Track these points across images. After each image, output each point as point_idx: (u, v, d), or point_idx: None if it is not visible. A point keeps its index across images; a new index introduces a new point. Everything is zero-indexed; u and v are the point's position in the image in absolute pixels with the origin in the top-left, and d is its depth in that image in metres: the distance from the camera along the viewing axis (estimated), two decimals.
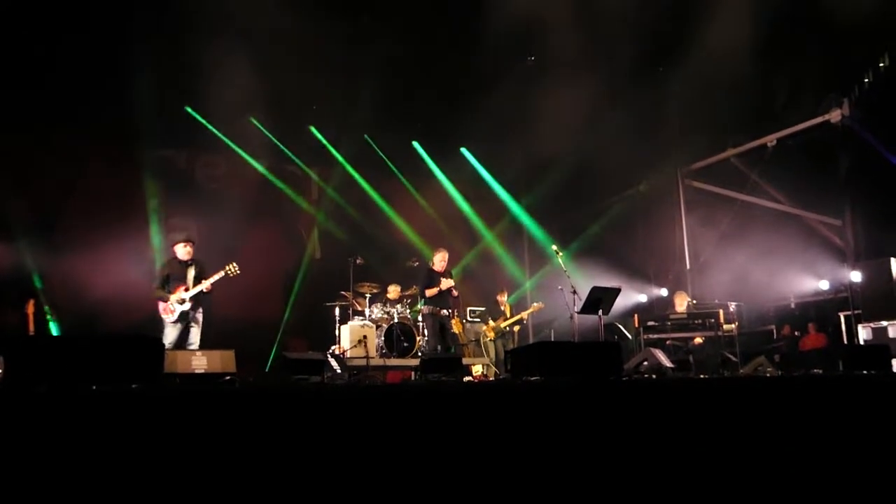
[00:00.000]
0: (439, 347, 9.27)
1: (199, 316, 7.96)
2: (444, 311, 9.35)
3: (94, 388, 3.86)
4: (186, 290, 7.80)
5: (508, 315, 10.87)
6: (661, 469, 3.80)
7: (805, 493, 3.94)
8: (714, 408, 4.52)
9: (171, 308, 7.74)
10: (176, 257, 8.06)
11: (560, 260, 8.92)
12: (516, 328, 10.94)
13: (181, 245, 8.05)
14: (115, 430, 3.18)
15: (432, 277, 9.36)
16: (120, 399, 3.11)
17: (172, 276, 7.92)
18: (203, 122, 11.20)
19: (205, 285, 7.82)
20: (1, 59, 8.77)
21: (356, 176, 12.61)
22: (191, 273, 7.93)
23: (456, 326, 10.55)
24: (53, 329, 9.54)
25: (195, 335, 7.89)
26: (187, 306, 7.75)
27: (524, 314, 10.85)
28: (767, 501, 3.83)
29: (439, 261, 9.42)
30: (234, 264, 8.03)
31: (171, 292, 7.81)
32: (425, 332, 9.45)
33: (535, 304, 10.89)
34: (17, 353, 3.32)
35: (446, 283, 9.19)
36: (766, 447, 4.22)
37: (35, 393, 3.09)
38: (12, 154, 9.62)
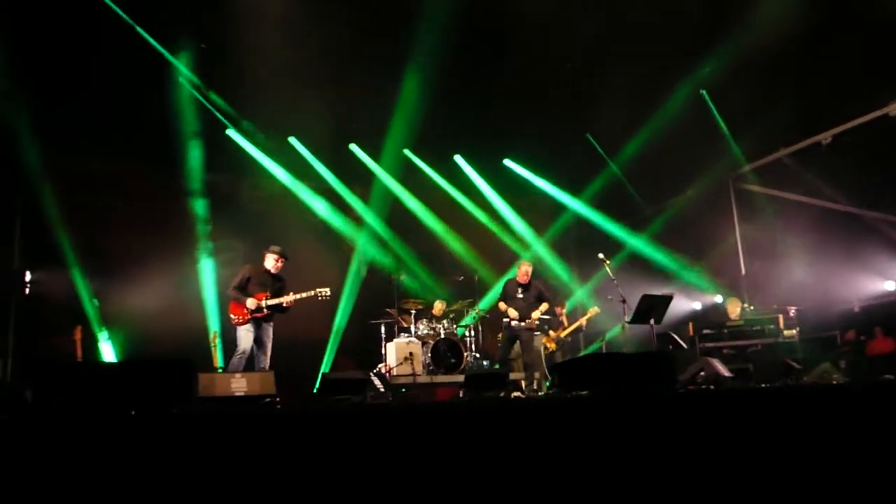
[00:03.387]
0: (501, 362, 9.11)
1: (271, 331, 7.69)
2: (514, 324, 9.00)
3: (132, 412, 3.83)
4: (267, 297, 7.54)
5: (566, 325, 10.60)
6: (718, 488, 3.54)
7: None
8: (780, 420, 4.23)
9: (246, 311, 7.42)
10: (263, 266, 7.83)
11: (608, 268, 8.66)
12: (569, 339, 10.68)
13: (274, 256, 7.81)
14: (150, 454, 3.10)
15: (507, 289, 9.21)
16: (148, 423, 3.04)
17: (254, 281, 7.65)
18: (245, 144, 11.30)
19: (288, 299, 7.53)
20: (50, 87, 8.95)
21: (399, 191, 12.51)
22: (275, 284, 7.71)
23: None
24: (104, 355, 9.66)
25: (266, 354, 7.58)
26: (262, 314, 7.45)
27: (582, 321, 10.55)
28: None
29: (521, 274, 9.19)
30: (327, 290, 7.81)
31: (250, 295, 7.54)
32: (472, 347, 9.31)
33: (591, 309, 10.57)
34: (46, 380, 3.26)
35: (511, 313, 8.90)
36: (839, 461, 3.91)
37: (61, 418, 3.03)
38: (62, 181, 9.81)
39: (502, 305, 9.08)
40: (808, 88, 9.90)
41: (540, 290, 9.21)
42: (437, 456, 3.22)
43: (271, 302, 7.51)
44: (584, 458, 3.44)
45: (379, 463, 3.14)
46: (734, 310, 9.80)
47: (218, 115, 10.79)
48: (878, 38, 9.00)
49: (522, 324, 8.94)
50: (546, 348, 10.40)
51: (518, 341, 9.15)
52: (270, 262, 7.77)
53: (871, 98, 10.21)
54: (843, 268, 10.69)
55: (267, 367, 7.42)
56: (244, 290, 7.60)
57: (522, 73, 9.93)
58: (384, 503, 3.02)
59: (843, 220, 11.07)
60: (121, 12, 8.69)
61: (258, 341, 7.53)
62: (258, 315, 7.50)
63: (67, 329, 8.30)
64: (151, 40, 9.24)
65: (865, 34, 8.99)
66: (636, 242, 12.95)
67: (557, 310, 10.73)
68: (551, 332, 10.42)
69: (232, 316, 7.54)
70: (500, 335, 10.30)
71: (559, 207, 13.59)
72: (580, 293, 13.48)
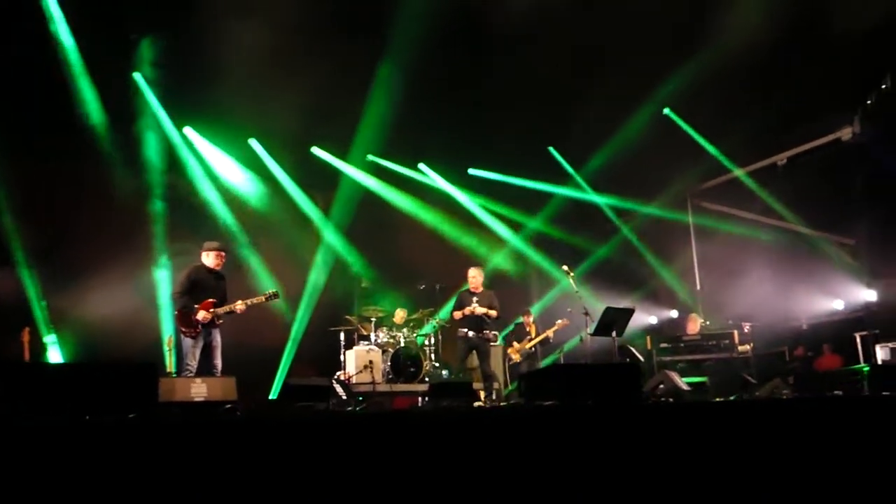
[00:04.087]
0: (462, 373, 9.02)
1: (219, 337, 7.22)
2: (471, 334, 8.90)
3: (87, 418, 3.69)
4: (215, 304, 7.05)
5: (534, 335, 10.53)
6: (684, 495, 3.59)
7: None
8: (736, 432, 4.31)
9: (197, 325, 6.91)
10: (204, 265, 7.26)
11: (571, 280, 8.73)
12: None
13: (213, 254, 7.23)
14: (107, 463, 2.99)
15: (461, 299, 9.10)
16: (108, 431, 2.92)
17: (200, 285, 7.10)
18: (203, 144, 11.10)
19: (240, 306, 7.06)
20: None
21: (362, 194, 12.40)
22: (220, 286, 7.22)
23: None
24: (51, 358, 9.34)
25: (218, 358, 7.17)
26: (215, 326, 7.05)
27: (549, 332, 10.35)
28: None
29: (471, 279, 9.06)
30: (273, 290, 7.38)
31: (197, 304, 7.01)
32: (432, 356, 9.24)
33: (559, 321, 10.36)
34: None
35: (475, 309, 8.75)
36: (791, 472, 4.00)
37: (18, 424, 2.90)
38: (14, 181, 9.51)
39: (457, 314, 9.00)
40: (766, 111, 10.18)
41: (492, 299, 9.14)
42: (411, 463, 3.18)
43: (222, 311, 7.09)
44: (554, 466, 3.44)
45: (352, 471, 3.08)
46: (694, 327, 9.96)
47: (172, 114, 10.55)
48: (834, 65, 9.32)
49: (480, 334, 8.90)
50: (510, 359, 10.39)
51: (476, 351, 9.10)
52: (211, 259, 7.23)
53: (826, 122, 10.55)
54: (793, 286, 10.98)
55: (219, 371, 7.13)
56: (191, 295, 7.11)
57: (491, 83, 9.98)
58: None
59: (795, 238, 11.39)
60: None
61: (207, 348, 7.15)
62: (211, 327, 7.13)
63: (15, 330, 8.02)
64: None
65: (822, 60, 9.29)
66: (601, 253, 13.07)
67: (525, 319, 10.71)
68: (515, 344, 10.41)
69: (182, 328, 7.10)
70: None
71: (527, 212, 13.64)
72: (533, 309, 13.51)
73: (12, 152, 9.30)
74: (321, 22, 8.32)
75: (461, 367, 9.17)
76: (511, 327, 10.89)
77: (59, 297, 9.60)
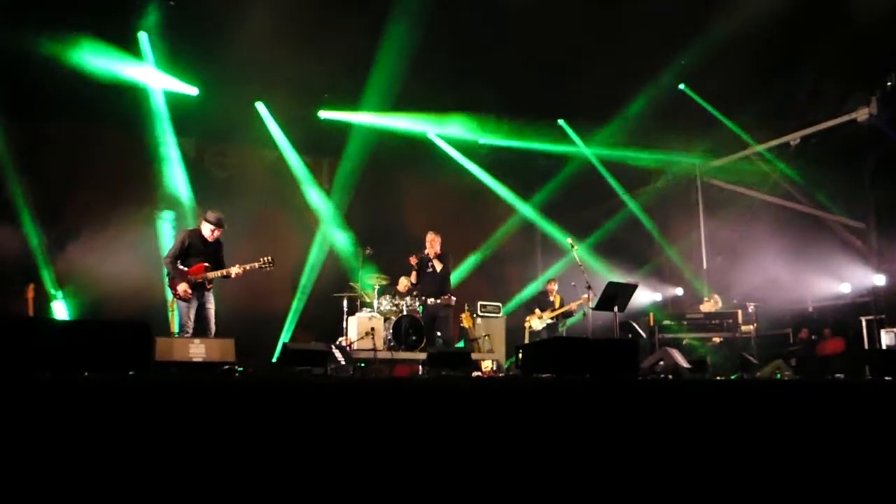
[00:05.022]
0: (435, 339, 9.03)
1: (213, 299, 7.29)
2: (430, 301, 8.88)
3: (85, 374, 3.71)
4: (208, 269, 7.13)
5: (558, 306, 10.43)
6: (673, 472, 3.58)
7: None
8: (732, 412, 4.29)
9: (189, 290, 6.99)
10: (200, 232, 7.32)
11: (575, 254, 8.69)
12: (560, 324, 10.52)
13: (210, 227, 7.26)
14: (105, 419, 3.00)
15: (419, 263, 9.06)
16: (107, 388, 2.93)
17: (193, 250, 7.19)
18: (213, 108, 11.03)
19: (235, 270, 7.09)
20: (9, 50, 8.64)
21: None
22: (213, 252, 7.28)
23: (466, 320, 10.30)
24: (56, 314, 9.42)
25: (211, 321, 7.22)
26: (205, 288, 7.11)
27: (573, 305, 10.21)
28: None
29: (427, 243, 9.00)
30: (269, 258, 7.32)
31: (189, 267, 7.13)
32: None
33: (583, 295, 9.87)
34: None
35: (413, 267, 8.81)
36: (785, 454, 3.99)
37: (14, 380, 2.91)
38: (20, 139, 9.51)
39: (403, 281, 8.94)
40: (782, 89, 10.01)
41: (445, 260, 9.06)
42: (406, 431, 3.19)
43: (213, 275, 7.13)
44: (544, 438, 3.44)
45: (347, 438, 3.09)
46: (713, 306, 9.92)
47: (182, 76, 10.48)
48: (852, 45, 9.14)
49: (438, 301, 8.83)
50: (531, 326, 10.36)
51: (435, 319, 9.06)
52: (207, 230, 7.29)
53: (841, 102, 10.37)
54: (800, 268, 10.90)
55: (213, 334, 7.15)
56: (184, 258, 7.19)
57: (501, 53, 9.84)
58: (355, 479, 2.98)
59: (804, 221, 11.28)
60: None
61: (199, 312, 7.20)
62: (201, 289, 7.18)
63: (19, 287, 8.08)
64: None
65: (840, 40, 9.11)
66: (608, 227, 13.00)
67: (549, 287, 10.60)
68: (538, 311, 10.34)
69: (173, 291, 7.21)
70: (462, 315, 10.27)
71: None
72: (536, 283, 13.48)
73: (19, 111, 9.30)
74: None
75: (430, 336, 9.10)
76: (532, 293, 10.87)
77: (66, 255, 9.67)
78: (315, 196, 12.11)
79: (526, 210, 13.45)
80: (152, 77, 10.21)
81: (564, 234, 9.40)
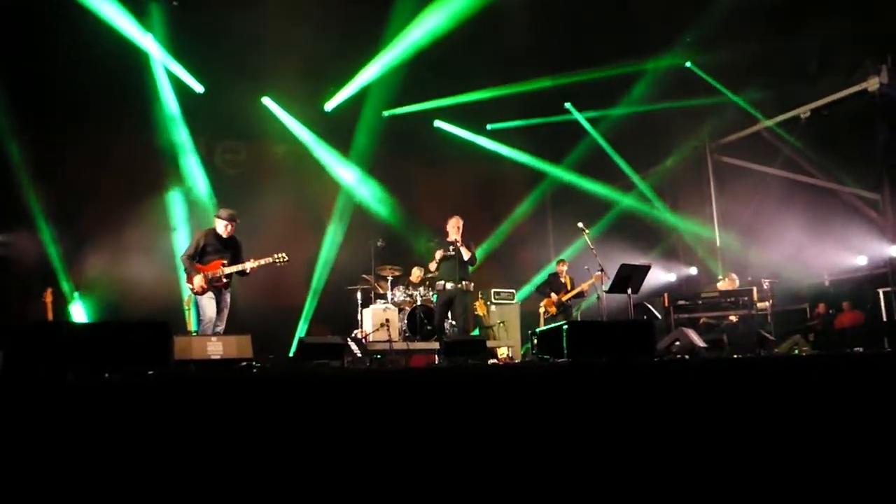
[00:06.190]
0: (448, 327, 8.96)
1: (228, 298, 7.39)
2: (449, 285, 8.43)
3: (106, 375, 3.75)
4: (224, 265, 7.22)
5: (570, 288, 10.27)
6: (694, 452, 3.58)
7: (852, 479, 3.70)
8: (751, 389, 4.28)
9: (204, 284, 7.08)
10: (215, 230, 7.42)
11: (587, 237, 8.66)
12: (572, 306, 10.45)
13: (223, 223, 7.36)
14: (126, 418, 3.04)
15: (441, 247, 8.66)
16: (127, 388, 2.97)
17: (210, 248, 7.31)
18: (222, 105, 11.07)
19: (250, 265, 7.20)
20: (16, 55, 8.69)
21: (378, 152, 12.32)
22: (230, 249, 7.38)
23: (480, 308, 10.27)
24: (75, 317, 9.51)
25: (223, 319, 7.30)
26: (221, 283, 7.17)
27: (585, 285, 10.01)
28: (812, 487, 3.59)
29: (451, 228, 8.57)
30: (283, 255, 7.43)
31: (206, 265, 7.23)
32: (449, 314, 9.17)
33: (595, 274, 9.60)
34: (18, 343, 3.17)
35: (440, 254, 8.38)
36: (807, 430, 3.98)
37: (40, 383, 2.95)
38: (35, 144, 9.58)
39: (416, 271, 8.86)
40: (790, 60, 9.90)
41: (471, 247, 8.65)
42: (424, 421, 3.20)
43: (229, 270, 7.20)
44: (563, 424, 3.45)
45: (365, 430, 3.11)
46: (730, 285, 9.87)
47: (189, 74, 10.53)
48: (861, 14, 9.01)
49: (459, 285, 8.45)
50: (546, 311, 10.28)
51: (450, 304, 8.74)
52: (220, 227, 7.38)
53: (851, 72, 10.24)
54: (815, 242, 10.81)
55: (222, 332, 7.15)
56: (201, 257, 7.29)
57: (507, 37, 9.81)
58: (372, 471, 3.00)
59: (818, 194, 11.18)
60: None
61: (217, 308, 7.26)
62: (218, 284, 7.23)
63: (38, 291, 8.15)
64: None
65: (848, 8, 8.99)
66: (619, 208, 12.95)
67: (559, 268, 10.46)
68: (553, 295, 10.30)
69: (190, 286, 7.28)
70: (476, 303, 10.24)
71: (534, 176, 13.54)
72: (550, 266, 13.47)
73: (34, 117, 9.39)
74: None
75: (440, 322, 8.86)
76: (544, 277, 10.80)
77: (83, 258, 9.74)
78: (337, 165, 12.07)
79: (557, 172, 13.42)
80: (160, 59, 10.31)
81: (574, 219, 9.27)
